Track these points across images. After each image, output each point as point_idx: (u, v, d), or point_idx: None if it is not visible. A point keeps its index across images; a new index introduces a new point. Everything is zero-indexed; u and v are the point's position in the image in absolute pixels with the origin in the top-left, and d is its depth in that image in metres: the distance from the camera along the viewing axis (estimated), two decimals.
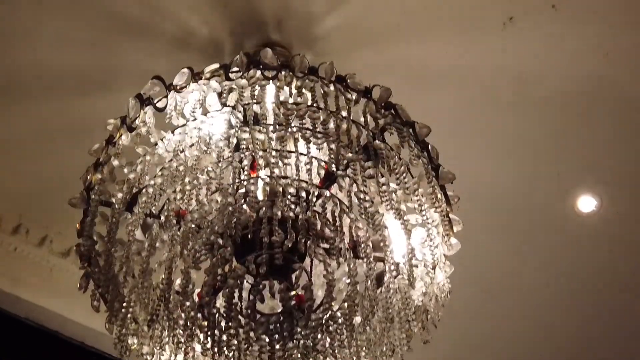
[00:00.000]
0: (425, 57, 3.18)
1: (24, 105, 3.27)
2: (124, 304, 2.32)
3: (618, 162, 3.57)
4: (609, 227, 3.87)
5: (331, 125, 2.37)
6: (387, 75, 3.05)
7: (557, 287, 4.22)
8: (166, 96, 2.38)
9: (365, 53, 3.13)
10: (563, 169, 3.61)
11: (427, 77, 3.25)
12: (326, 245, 2.32)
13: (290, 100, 2.40)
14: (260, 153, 2.30)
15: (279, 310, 2.29)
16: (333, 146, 2.32)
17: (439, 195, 2.43)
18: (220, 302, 2.24)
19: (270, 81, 2.39)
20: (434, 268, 2.44)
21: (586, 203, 3.75)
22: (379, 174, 2.39)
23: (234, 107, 2.37)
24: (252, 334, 2.18)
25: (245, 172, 2.37)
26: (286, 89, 2.40)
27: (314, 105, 2.37)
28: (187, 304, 2.22)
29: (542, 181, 3.67)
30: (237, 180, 2.30)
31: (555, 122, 3.41)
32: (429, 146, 2.44)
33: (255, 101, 2.39)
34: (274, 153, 2.28)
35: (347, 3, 2.98)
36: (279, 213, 2.21)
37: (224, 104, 2.37)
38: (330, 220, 2.35)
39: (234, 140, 2.35)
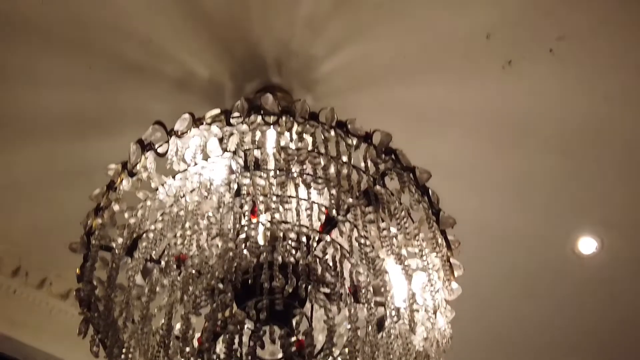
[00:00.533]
0: (425, 99, 3.20)
1: (24, 148, 3.28)
2: (124, 350, 2.30)
3: (618, 203, 3.57)
4: (609, 269, 3.85)
5: (332, 170, 2.38)
6: (388, 117, 3.08)
7: (558, 329, 4.20)
8: (167, 141, 2.39)
9: (366, 95, 3.16)
10: (563, 210, 3.61)
11: (427, 119, 3.26)
12: (327, 290, 2.31)
13: (291, 146, 2.41)
14: (261, 198, 2.29)
15: (280, 356, 2.28)
16: (334, 191, 2.33)
17: (439, 240, 2.43)
18: (220, 347, 2.22)
19: (271, 126, 2.40)
20: (435, 313, 2.43)
21: (586, 245, 3.74)
22: (380, 219, 2.40)
23: (234, 152, 2.38)
24: None
25: (246, 217, 2.36)
26: (287, 134, 2.41)
27: (315, 150, 2.39)
28: (187, 349, 2.21)
29: (541, 222, 3.66)
30: (237, 226, 2.29)
31: (555, 163, 3.41)
32: (430, 191, 2.44)
33: (256, 146, 2.40)
34: (274, 198, 2.28)
35: (347, 46, 3.00)
36: (280, 258, 2.20)
37: (224, 150, 2.38)
38: (331, 265, 2.34)
39: (235, 186, 2.35)
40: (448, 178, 3.32)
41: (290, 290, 2.17)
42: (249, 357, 2.17)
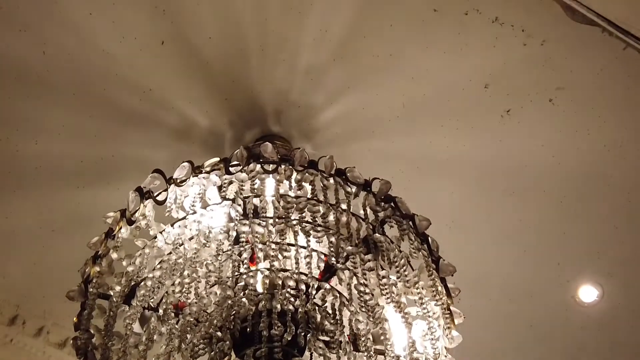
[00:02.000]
0: (424, 147, 3.21)
1: (24, 196, 3.28)
2: None
3: (619, 252, 3.57)
4: (610, 317, 3.85)
5: (331, 218, 2.37)
6: (387, 165, 3.09)
7: None
8: (166, 189, 2.39)
9: (365, 143, 3.18)
10: (563, 258, 3.61)
11: (426, 167, 3.27)
12: (326, 338, 2.30)
13: (290, 193, 2.41)
14: (260, 246, 2.29)
15: None
16: (333, 239, 2.33)
17: (439, 288, 2.41)
18: None
19: (270, 175, 2.41)
20: None
21: (587, 293, 3.75)
22: (379, 267, 2.38)
23: (233, 200, 2.38)
24: None
25: (245, 265, 2.35)
26: (286, 182, 2.42)
27: (314, 198, 2.38)
28: None
29: (542, 271, 3.65)
30: (236, 273, 2.28)
31: (555, 211, 3.42)
32: (429, 239, 2.43)
33: (255, 194, 2.40)
34: (273, 246, 2.27)
35: (347, 95, 3.03)
36: (279, 306, 2.19)
37: (223, 198, 2.37)
38: (330, 313, 2.33)
39: (234, 233, 2.35)
40: (448, 226, 3.33)
41: (289, 338, 2.16)
42: None
